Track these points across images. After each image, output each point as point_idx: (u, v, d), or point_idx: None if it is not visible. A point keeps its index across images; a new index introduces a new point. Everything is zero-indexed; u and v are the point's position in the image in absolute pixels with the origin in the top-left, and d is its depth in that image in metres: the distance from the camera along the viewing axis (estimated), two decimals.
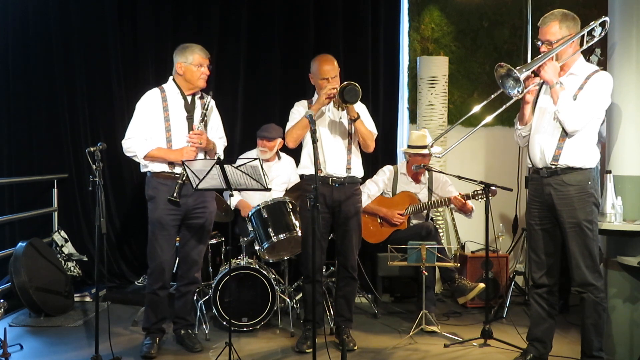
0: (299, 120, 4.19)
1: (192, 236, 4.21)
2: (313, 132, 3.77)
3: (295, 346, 4.26)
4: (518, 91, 3.53)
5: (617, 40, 4.03)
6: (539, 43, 3.62)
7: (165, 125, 4.09)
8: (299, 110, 4.30)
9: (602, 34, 3.67)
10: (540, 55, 3.58)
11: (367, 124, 4.28)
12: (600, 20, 3.64)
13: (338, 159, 4.24)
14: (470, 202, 4.90)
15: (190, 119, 4.12)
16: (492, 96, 3.76)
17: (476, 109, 3.92)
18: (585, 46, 3.64)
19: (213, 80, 5.62)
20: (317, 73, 4.22)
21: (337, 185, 4.22)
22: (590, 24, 3.63)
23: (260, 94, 5.98)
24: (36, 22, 5.80)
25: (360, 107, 4.29)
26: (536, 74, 3.60)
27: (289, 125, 4.29)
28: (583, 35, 3.60)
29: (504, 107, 3.78)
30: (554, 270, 3.78)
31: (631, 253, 3.90)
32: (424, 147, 5.06)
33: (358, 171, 4.33)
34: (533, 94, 3.71)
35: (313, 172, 4.14)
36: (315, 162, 3.72)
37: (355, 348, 4.26)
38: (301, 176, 4.42)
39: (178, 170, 4.06)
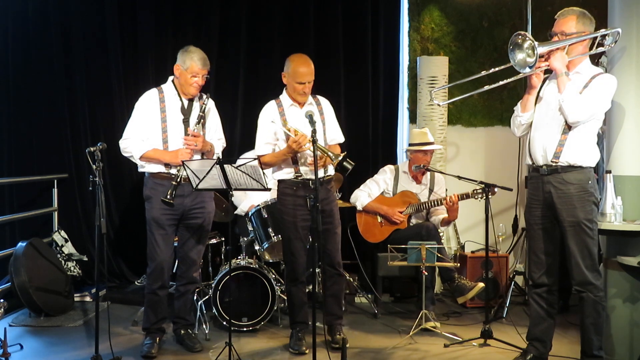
0: (281, 153, 4.07)
1: (191, 236, 4.21)
2: (313, 132, 3.78)
3: (292, 347, 4.23)
4: (530, 67, 3.53)
5: (618, 41, 4.02)
6: (551, 35, 3.64)
7: (162, 127, 4.09)
8: (267, 126, 4.16)
9: (612, 45, 3.75)
10: (556, 40, 3.60)
11: (337, 134, 4.30)
12: (613, 30, 3.71)
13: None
14: (457, 212, 4.90)
15: (186, 121, 4.12)
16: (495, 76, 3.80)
17: (483, 73, 3.91)
18: (593, 50, 3.68)
19: (213, 80, 5.64)
20: (292, 74, 4.09)
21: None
22: (607, 29, 3.72)
23: (260, 95, 5.96)
24: (36, 22, 5.81)
25: (330, 113, 4.30)
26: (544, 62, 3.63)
27: (262, 147, 4.15)
28: (595, 38, 3.64)
29: (506, 80, 3.83)
30: (553, 269, 3.78)
31: (631, 253, 3.90)
32: (425, 144, 5.08)
33: (331, 170, 4.28)
34: (539, 79, 3.72)
35: (291, 177, 4.14)
36: (315, 161, 3.73)
37: (347, 345, 4.17)
38: (279, 181, 4.26)
39: (174, 171, 4.06)
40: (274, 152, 4.16)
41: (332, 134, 4.30)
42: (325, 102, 4.33)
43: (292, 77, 4.11)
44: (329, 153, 3.99)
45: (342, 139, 4.37)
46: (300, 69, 4.08)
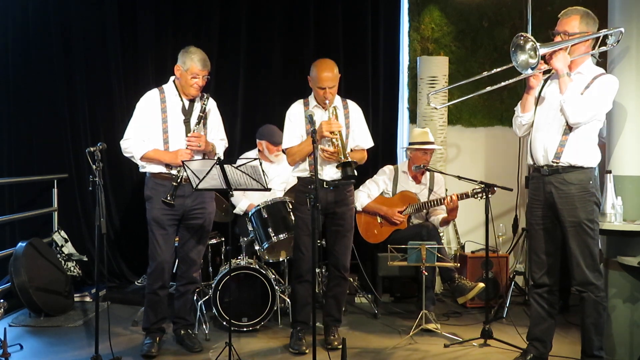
0: (305, 143, 4.14)
1: (191, 236, 4.21)
2: (313, 132, 3.77)
3: (292, 347, 4.23)
4: (532, 68, 3.54)
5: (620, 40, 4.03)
6: (553, 34, 3.64)
7: (162, 127, 4.09)
8: (297, 122, 4.22)
9: (615, 44, 3.73)
10: (558, 40, 3.60)
11: (362, 139, 4.29)
12: (616, 30, 3.69)
13: (333, 165, 4.17)
14: (457, 211, 4.90)
15: (187, 121, 4.12)
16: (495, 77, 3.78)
17: (484, 74, 3.93)
18: (596, 50, 3.68)
19: (213, 80, 5.62)
20: (315, 80, 4.14)
21: (331, 188, 4.20)
22: (610, 29, 3.70)
23: (260, 94, 5.99)
24: (36, 22, 5.80)
25: (357, 117, 4.30)
26: (546, 62, 3.62)
27: (290, 140, 4.22)
28: (598, 38, 3.63)
29: (507, 82, 3.84)
30: (554, 269, 3.78)
31: (631, 253, 3.91)
32: (426, 142, 5.08)
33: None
34: (538, 80, 3.72)
35: (307, 175, 4.18)
36: (315, 163, 3.73)
37: (339, 346, 4.15)
38: (298, 178, 4.34)
39: (175, 172, 4.06)
40: (300, 143, 4.19)
41: (357, 139, 4.30)
42: (353, 107, 4.34)
43: (314, 81, 4.15)
44: (343, 151, 4.00)
45: (367, 145, 4.35)
46: (321, 74, 4.10)
